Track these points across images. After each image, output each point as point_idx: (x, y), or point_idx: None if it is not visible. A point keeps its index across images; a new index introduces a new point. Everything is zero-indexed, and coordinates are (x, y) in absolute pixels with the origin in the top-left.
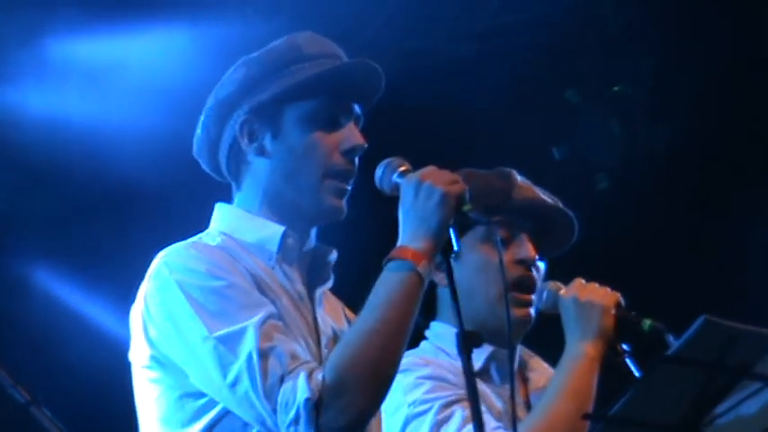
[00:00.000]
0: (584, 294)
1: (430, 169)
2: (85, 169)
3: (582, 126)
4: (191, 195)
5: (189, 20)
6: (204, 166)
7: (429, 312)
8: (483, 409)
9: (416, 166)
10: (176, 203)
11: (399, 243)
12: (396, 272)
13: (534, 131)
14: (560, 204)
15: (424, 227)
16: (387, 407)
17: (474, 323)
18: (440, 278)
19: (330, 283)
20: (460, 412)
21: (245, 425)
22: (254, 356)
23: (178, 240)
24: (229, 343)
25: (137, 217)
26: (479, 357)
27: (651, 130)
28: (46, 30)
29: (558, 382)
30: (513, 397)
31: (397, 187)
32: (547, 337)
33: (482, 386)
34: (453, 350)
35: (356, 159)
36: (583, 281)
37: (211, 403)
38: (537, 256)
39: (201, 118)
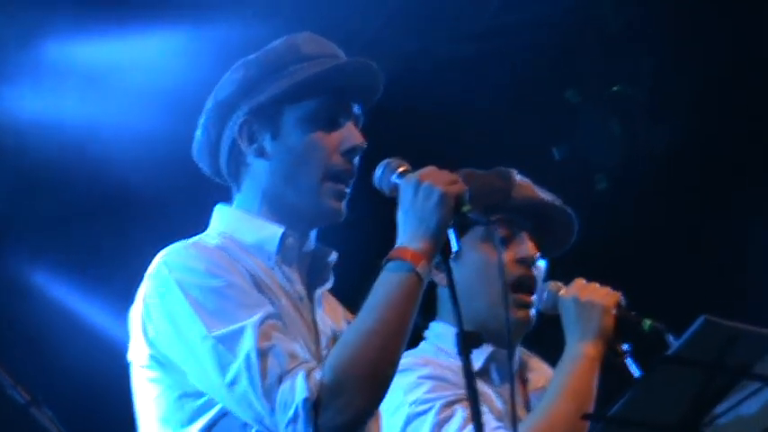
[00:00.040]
0: (584, 294)
1: (429, 169)
2: (84, 171)
3: (582, 126)
4: (190, 197)
5: (188, 22)
6: (205, 169)
7: (428, 312)
8: (484, 409)
9: (416, 166)
10: (175, 205)
11: (398, 243)
12: (395, 272)
13: (534, 132)
14: (560, 203)
15: (423, 227)
16: (387, 406)
17: (474, 324)
18: (439, 278)
19: (330, 284)
20: (461, 412)
21: (245, 425)
22: (253, 356)
23: (177, 242)
24: (228, 342)
25: (136, 218)
26: (479, 358)
27: (651, 130)
28: (45, 32)
29: (559, 383)
30: (512, 397)
31: (396, 188)
32: (546, 338)
33: (483, 386)
34: (453, 350)
35: (356, 159)
36: (583, 281)
37: (210, 403)
38: (537, 255)
39: (201, 120)
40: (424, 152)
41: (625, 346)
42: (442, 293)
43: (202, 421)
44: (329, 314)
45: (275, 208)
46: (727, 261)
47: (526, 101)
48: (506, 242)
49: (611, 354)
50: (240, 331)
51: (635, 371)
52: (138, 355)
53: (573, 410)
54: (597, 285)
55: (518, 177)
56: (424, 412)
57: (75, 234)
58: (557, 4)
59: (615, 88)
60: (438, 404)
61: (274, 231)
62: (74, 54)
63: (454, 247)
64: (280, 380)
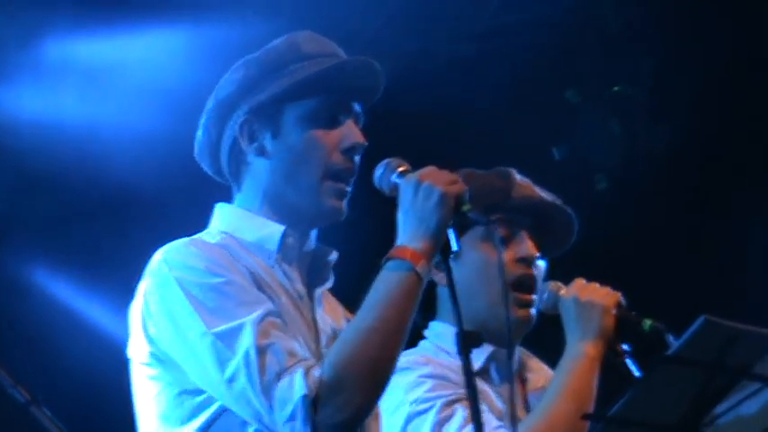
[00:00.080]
0: (584, 294)
1: (429, 169)
2: (85, 171)
3: (582, 126)
4: (190, 197)
5: (188, 21)
6: (206, 169)
7: (428, 312)
8: (484, 408)
9: (416, 166)
10: (175, 205)
11: (398, 243)
12: (394, 271)
13: (534, 131)
14: (560, 203)
15: (423, 227)
16: (387, 405)
17: (474, 323)
18: (439, 277)
19: (330, 284)
20: (462, 411)
21: (244, 423)
22: (252, 353)
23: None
24: (227, 339)
25: (136, 218)
26: (479, 357)
27: (651, 130)
28: (44, 31)
29: (559, 383)
30: (512, 396)
31: (396, 187)
32: (546, 338)
33: (483, 386)
34: (453, 349)
35: (357, 158)
36: (583, 281)
37: (209, 400)
38: (537, 255)
39: (202, 120)
40: (424, 152)
41: (625, 346)
42: (442, 293)
43: (201, 418)
44: (329, 313)
45: (276, 207)
46: (727, 261)
47: (526, 101)
48: (506, 242)
49: (611, 354)
50: (239, 328)
51: (635, 371)
52: (137, 352)
53: (573, 410)
54: (597, 285)
55: (518, 177)
56: (425, 411)
57: (75, 233)
58: (557, 4)
59: (615, 88)
60: (439, 403)
61: (275, 230)
62: (73, 53)
63: (454, 246)
64: (278, 377)
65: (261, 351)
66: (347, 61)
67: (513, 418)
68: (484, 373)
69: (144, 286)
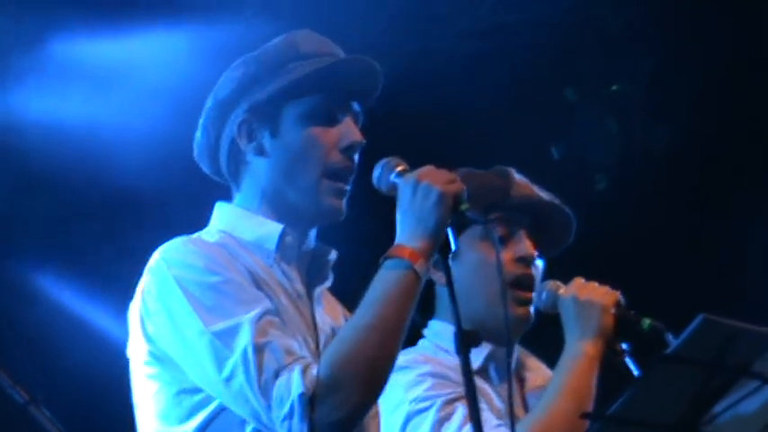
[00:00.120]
0: (583, 293)
1: (427, 169)
2: (86, 171)
3: (579, 125)
4: (191, 198)
5: (191, 23)
6: (205, 169)
7: (427, 311)
8: (484, 407)
9: (415, 166)
10: (176, 206)
11: (397, 242)
12: (393, 270)
13: (534, 131)
14: (559, 202)
15: (421, 226)
16: (387, 404)
17: (472, 322)
18: (438, 276)
19: (329, 283)
20: (462, 410)
21: (242, 421)
22: (250, 351)
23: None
24: (225, 338)
25: (137, 219)
26: (478, 356)
27: (650, 130)
28: (47, 33)
29: (558, 382)
30: (510, 396)
31: (394, 187)
32: (545, 337)
33: (482, 385)
34: (452, 348)
35: (355, 156)
36: (582, 280)
37: (208, 399)
38: (536, 254)
39: (201, 120)
40: (423, 152)
41: (624, 345)
42: (441, 292)
43: (200, 417)
44: (329, 313)
45: (275, 206)
46: (727, 261)
47: (525, 101)
48: (505, 241)
49: (610, 353)
50: (237, 327)
51: (634, 370)
52: (136, 351)
53: (572, 409)
54: (596, 284)
55: (516, 176)
56: (425, 410)
57: (77, 235)
58: (556, 3)
59: (614, 87)
60: (438, 402)
61: (273, 229)
62: (76, 55)
63: (453, 246)
64: (276, 375)
65: (258, 349)
66: (345, 60)
67: (512, 417)
68: (483, 372)
69: (143, 285)
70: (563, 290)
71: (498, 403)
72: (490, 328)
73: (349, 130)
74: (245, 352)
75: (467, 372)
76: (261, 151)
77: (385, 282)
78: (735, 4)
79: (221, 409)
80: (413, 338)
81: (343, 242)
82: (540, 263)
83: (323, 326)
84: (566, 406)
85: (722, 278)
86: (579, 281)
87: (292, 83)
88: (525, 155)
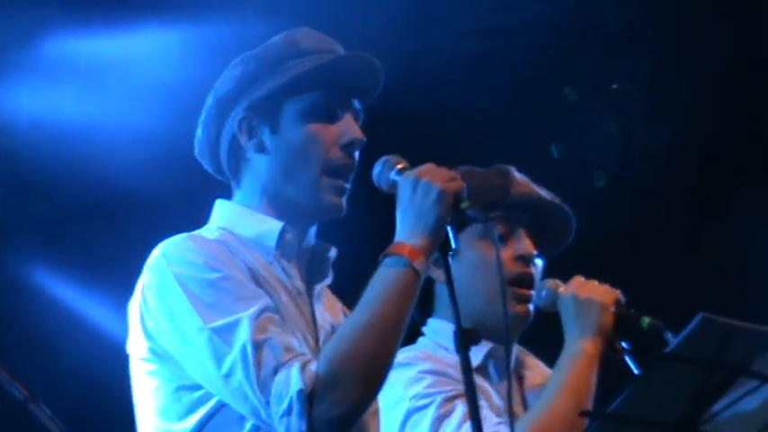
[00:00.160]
0: (583, 292)
1: (427, 166)
2: (83, 170)
3: (579, 124)
4: (189, 197)
5: (187, 21)
6: (206, 167)
7: (426, 308)
8: (483, 404)
9: (415, 165)
10: (174, 205)
11: (396, 239)
12: (392, 267)
13: (533, 131)
14: (559, 201)
15: (421, 224)
16: (387, 401)
17: (472, 320)
18: (437, 274)
19: (329, 280)
20: (462, 407)
21: (241, 418)
22: (249, 348)
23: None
24: (224, 334)
25: (134, 217)
26: (478, 354)
27: (650, 130)
28: (41, 31)
29: (557, 380)
30: (510, 394)
31: (394, 184)
32: (544, 336)
33: (481, 382)
34: (452, 346)
35: (356, 153)
36: (582, 278)
37: (207, 396)
38: (536, 253)
39: (201, 117)
40: (423, 151)
41: (624, 344)
42: (440, 289)
43: (199, 414)
44: (328, 310)
45: (275, 203)
46: (727, 261)
47: (526, 101)
48: (504, 239)
49: (609, 351)
50: (236, 323)
51: (634, 368)
52: (136, 347)
53: (571, 407)
54: (596, 283)
55: (517, 175)
56: (425, 407)
57: (74, 233)
58: (556, 3)
59: (613, 86)
60: (438, 399)
61: (273, 226)
62: (71, 53)
63: (452, 244)
64: (275, 372)
65: (258, 346)
66: (346, 56)
67: (511, 415)
68: (482, 369)
69: (142, 281)
70: (563, 288)
71: (498, 401)
72: (489, 326)
73: (349, 127)
74: (243, 348)
75: (466, 370)
76: (261, 148)
77: (384, 279)
78: (735, 4)
79: (221, 406)
80: (412, 336)
81: (343, 239)
82: (539, 262)
83: (322, 323)
84: (565, 404)
85: (722, 278)
86: (579, 279)
87: (292, 80)
88: (525, 155)
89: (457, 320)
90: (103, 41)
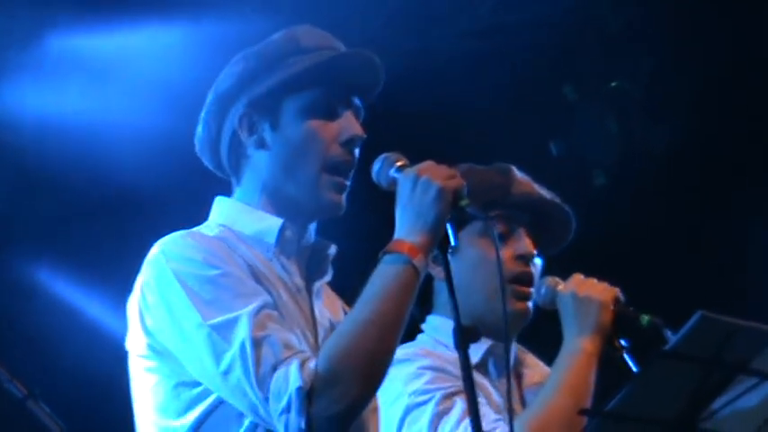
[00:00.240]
0: (582, 289)
1: (427, 164)
2: (85, 169)
3: (579, 124)
4: (191, 195)
5: (189, 18)
6: (207, 164)
7: (426, 305)
8: (483, 401)
9: (415, 162)
10: (176, 203)
11: (396, 237)
12: (392, 264)
13: (533, 131)
14: (559, 200)
15: (420, 221)
16: (386, 396)
17: (471, 318)
18: (437, 272)
19: (329, 277)
20: (461, 404)
21: (240, 414)
22: (248, 345)
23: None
24: (223, 331)
25: (136, 216)
26: (477, 352)
27: (650, 130)
28: (44, 29)
29: (556, 378)
30: (509, 391)
31: (394, 182)
32: (543, 334)
33: (481, 379)
34: (451, 343)
35: (356, 150)
36: (581, 276)
37: (206, 392)
38: (535, 252)
39: (202, 114)
40: (423, 151)
41: (623, 341)
42: (439, 287)
43: (198, 410)
44: (328, 307)
45: (275, 200)
46: (727, 261)
47: (526, 100)
48: (504, 238)
49: (608, 349)
50: (235, 320)
51: (633, 366)
52: (135, 344)
53: (570, 405)
54: (595, 281)
55: (517, 174)
56: (424, 403)
57: (76, 232)
58: (556, 3)
59: (613, 84)
60: (438, 395)
61: (273, 223)
62: (74, 50)
63: (452, 241)
64: (274, 369)
65: (256, 343)
66: (346, 54)
67: (511, 413)
68: (482, 367)
69: (142, 278)
70: (562, 286)
71: (497, 398)
72: (489, 323)
73: (349, 124)
74: (242, 345)
75: (465, 367)
76: (261, 144)
77: (384, 276)
78: (735, 4)
79: (219, 403)
80: (411, 333)
81: (343, 237)
82: (538, 261)
83: (322, 320)
84: (563, 402)
85: (722, 278)
86: (578, 277)
87: (292, 76)
88: (525, 154)
89: (456, 318)
90: (106, 39)
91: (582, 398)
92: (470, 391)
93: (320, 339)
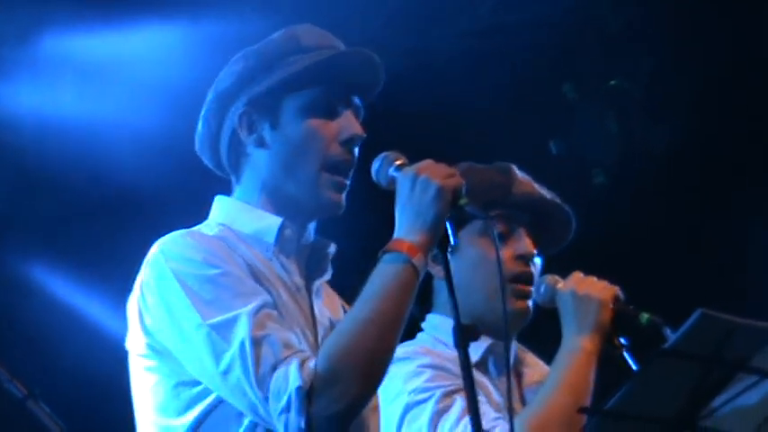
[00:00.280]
0: (581, 288)
1: (426, 163)
2: (84, 168)
3: (579, 123)
4: (189, 194)
5: (186, 18)
6: (207, 162)
7: (425, 304)
8: (483, 400)
9: (414, 161)
10: (175, 202)
11: (395, 236)
12: (391, 263)
13: (533, 131)
14: (559, 200)
15: (420, 220)
16: (386, 394)
17: (471, 317)
18: (437, 270)
19: (328, 276)
20: (461, 402)
21: (240, 414)
22: (247, 344)
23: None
24: (222, 331)
25: (135, 216)
26: (477, 350)
27: (650, 130)
28: (42, 28)
29: (555, 376)
30: (509, 390)
31: (393, 181)
32: (543, 332)
33: (481, 378)
34: (451, 341)
35: (355, 150)
36: (581, 274)
37: (206, 392)
38: (535, 252)
39: (202, 112)
40: (423, 150)
41: (622, 340)
42: (439, 285)
43: (198, 409)
44: (327, 305)
45: (274, 199)
46: (727, 261)
47: (526, 100)
48: (504, 238)
49: (608, 347)
50: (235, 320)
51: (632, 364)
52: (135, 343)
53: (570, 404)
54: (595, 279)
55: (518, 173)
56: (424, 401)
57: (75, 231)
58: (556, 3)
59: (612, 82)
60: (438, 393)
61: (272, 222)
62: (71, 49)
63: (452, 240)
64: (273, 368)
65: (256, 342)
66: (345, 52)
67: (511, 411)
68: (482, 365)
69: (141, 277)
70: (561, 284)
71: (497, 397)
72: (489, 322)
73: (349, 124)
74: (242, 345)
75: (465, 365)
76: (261, 143)
77: (383, 275)
78: (735, 4)
79: (219, 402)
80: (411, 332)
81: (343, 236)
82: (538, 261)
83: (321, 319)
84: (563, 400)
85: (722, 278)
86: (578, 275)
87: (292, 75)
88: (525, 154)
89: (456, 316)
90: (103, 39)
91: (581, 396)
92: (470, 389)
93: (320, 338)
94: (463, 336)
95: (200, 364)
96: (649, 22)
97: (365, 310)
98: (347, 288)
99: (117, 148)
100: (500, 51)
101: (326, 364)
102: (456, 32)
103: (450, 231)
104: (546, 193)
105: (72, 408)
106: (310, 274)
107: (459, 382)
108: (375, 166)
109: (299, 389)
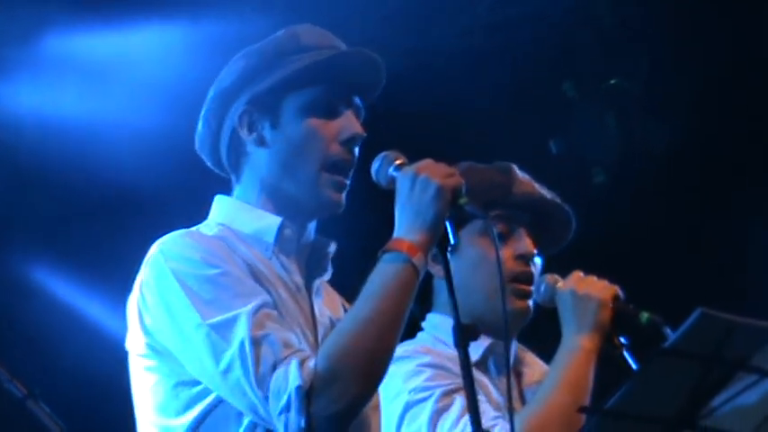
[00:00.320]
0: (581, 287)
1: (426, 162)
2: (84, 168)
3: (578, 123)
4: (190, 194)
5: (187, 18)
6: (207, 161)
7: (425, 304)
8: (482, 399)
9: (414, 160)
10: (175, 202)
11: (395, 235)
12: (391, 263)
13: (533, 129)
14: (559, 200)
15: (419, 220)
16: (386, 393)
17: (471, 317)
18: (437, 270)
19: (328, 275)
20: (460, 401)
21: (239, 414)
22: (247, 344)
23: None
24: (222, 330)
25: (135, 215)
26: (477, 350)
27: (650, 130)
28: (43, 27)
29: (555, 375)
30: (509, 389)
31: (393, 180)
32: (542, 331)
33: (480, 377)
34: (451, 341)
35: (356, 149)
36: (581, 273)
37: (206, 392)
38: (535, 252)
39: (202, 111)
40: (423, 149)
41: (622, 339)
42: (439, 285)
43: (197, 409)
44: (327, 305)
45: (274, 198)
46: (727, 261)
47: (525, 99)
48: (504, 238)
49: (608, 346)
50: (234, 319)
51: (632, 363)
52: (134, 343)
53: (569, 403)
54: (594, 278)
55: (518, 173)
56: (423, 400)
57: (75, 231)
58: (556, 2)
59: (612, 82)
60: (437, 392)
61: (272, 221)
62: (72, 49)
63: (451, 240)
64: (273, 368)
65: (256, 342)
66: (346, 52)
67: (511, 410)
68: (481, 365)
69: (141, 277)
70: (561, 283)
71: (496, 396)
72: (489, 322)
73: (349, 123)
74: (242, 344)
75: (465, 365)
76: (261, 142)
77: (383, 275)
78: (735, 4)
79: (219, 402)
80: (411, 331)
81: (343, 235)
82: (538, 260)
83: (321, 318)
84: (562, 400)
85: (722, 278)
86: (577, 274)
87: (293, 74)
88: (525, 153)
89: (456, 316)
90: (104, 38)
91: (581, 395)
92: (470, 388)
93: (320, 338)
94: (463, 335)
95: (200, 363)
96: (649, 22)
97: (365, 310)
98: (347, 287)
99: (117, 148)
100: (500, 50)
101: (326, 364)
102: (455, 31)
103: (449, 231)
104: (546, 192)
105: (72, 408)
106: (310, 274)
107: (458, 382)
108: (375, 165)
109: (298, 388)
